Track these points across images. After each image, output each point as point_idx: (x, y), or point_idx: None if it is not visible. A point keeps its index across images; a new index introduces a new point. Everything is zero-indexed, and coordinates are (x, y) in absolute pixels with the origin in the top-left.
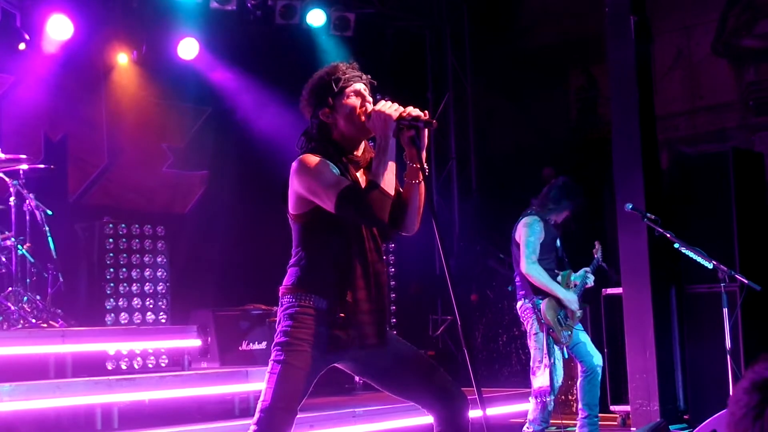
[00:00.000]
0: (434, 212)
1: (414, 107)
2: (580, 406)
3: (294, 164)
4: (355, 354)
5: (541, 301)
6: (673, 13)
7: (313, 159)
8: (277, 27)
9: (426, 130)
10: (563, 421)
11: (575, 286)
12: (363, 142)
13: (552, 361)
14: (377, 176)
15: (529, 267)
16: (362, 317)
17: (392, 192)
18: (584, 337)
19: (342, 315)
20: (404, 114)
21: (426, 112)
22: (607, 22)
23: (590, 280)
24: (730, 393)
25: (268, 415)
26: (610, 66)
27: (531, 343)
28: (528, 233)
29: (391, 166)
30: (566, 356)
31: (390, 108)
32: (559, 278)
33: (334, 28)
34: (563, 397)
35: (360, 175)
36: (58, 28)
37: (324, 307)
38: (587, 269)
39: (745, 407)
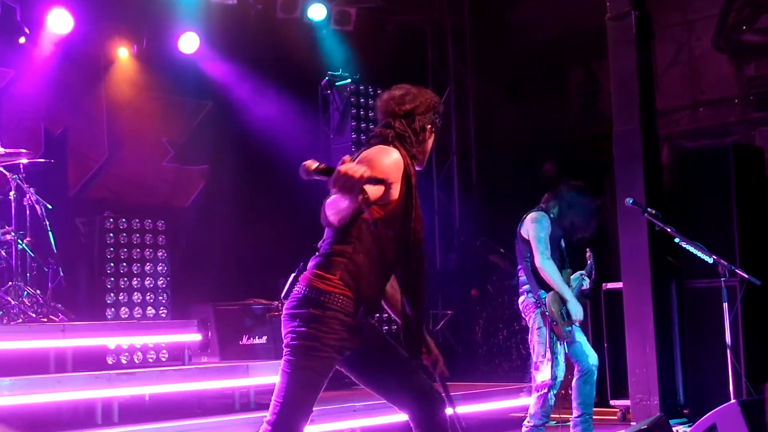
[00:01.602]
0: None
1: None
2: (574, 404)
3: (382, 147)
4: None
5: (546, 294)
6: (674, 9)
7: (397, 155)
8: (278, 21)
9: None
10: (561, 416)
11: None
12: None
13: (554, 355)
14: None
15: (543, 262)
16: (367, 320)
17: (326, 220)
18: (581, 337)
19: (361, 320)
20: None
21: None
22: (609, 17)
23: (586, 283)
24: (731, 387)
25: (287, 416)
26: (611, 61)
27: (533, 338)
28: (537, 228)
29: (341, 200)
30: (567, 351)
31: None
32: (563, 277)
33: (335, 22)
34: (563, 391)
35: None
36: (59, 22)
37: (352, 310)
38: (582, 272)
39: None
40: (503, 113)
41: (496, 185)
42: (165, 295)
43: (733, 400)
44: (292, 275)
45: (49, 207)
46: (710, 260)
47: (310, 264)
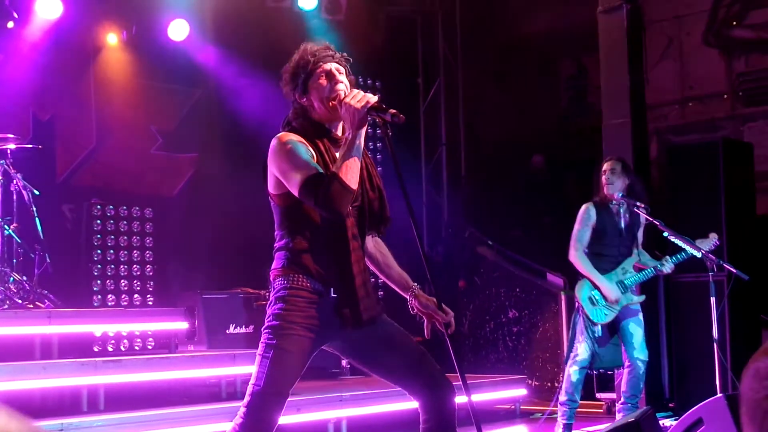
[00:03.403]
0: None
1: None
2: (621, 392)
3: (272, 143)
4: (345, 335)
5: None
6: (664, 3)
7: (289, 139)
8: (269, 9)
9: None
10: (543, 408)
11: (639, 270)
12: (342, 123)
13: (579, 337)
14: (339, 167)
15: (572, 255)
16: (352, 297)
17: (355, 185)
18: (635, 329)
19: (334, 296)
20: (373, 105)
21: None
22: (600, 11)
23: (667, 267)
24: (717, 382)
25: (260, 399)
26: (602, 54)
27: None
28: (578, 222)
29: (356, 161)
30: (599, 334)
31: (358, 100)
32: (625, 264)
33: (326, 11)
34: (548, 384)
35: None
36: (47, 8)
37: (315, 288)
38: (667, 258)
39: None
40: (493, 105)
41: (485, 177)
42: (152, 282)
43: (719, 394)
44: None
45: (36, 193)
46: (698, 254)
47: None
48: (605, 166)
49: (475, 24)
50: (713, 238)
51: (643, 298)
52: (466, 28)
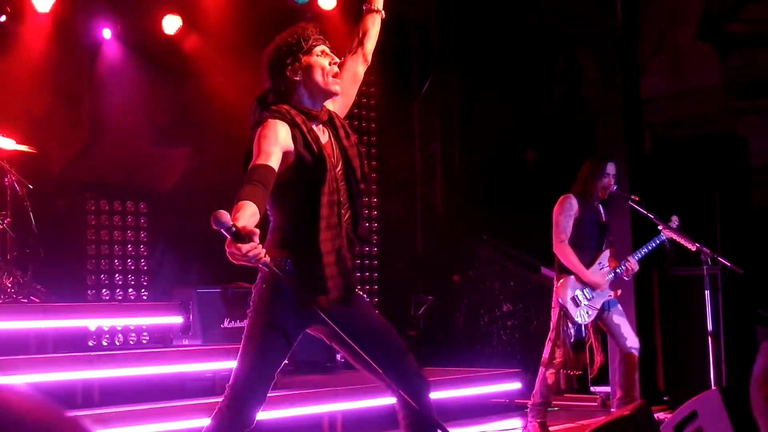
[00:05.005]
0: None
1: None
2: (617, 386)
3: (258, 130)
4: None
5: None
6: None
7: (273, 126)
8: (262, 2)
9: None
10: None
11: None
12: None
13: (559, 337)
14: (241, 208)
15: (557, 246)
16: (335, 279)
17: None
18: (620, 320)
19: (317, 277)
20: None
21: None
22: (594, 4)
23: (621, 270)
24: (712, 375)
25: (245, 381)
26: (596, 48)
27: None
28: (559, 212)
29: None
30: (583, 335)
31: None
32: (601, 259)
33: (319, 4)
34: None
35: (320, 131)
36: (41, 1)
37: (299, 270)
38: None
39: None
40: (487, 100)
41: (479, 171)
42: (146, 277)
43: (713, 387)
44: None
45: (30, 187)
46: (693, 248)
47: None
48: (612, 169)
49: (469, 18)
50: (674, 221)
51: (618, 292)
52: (459, 23)
